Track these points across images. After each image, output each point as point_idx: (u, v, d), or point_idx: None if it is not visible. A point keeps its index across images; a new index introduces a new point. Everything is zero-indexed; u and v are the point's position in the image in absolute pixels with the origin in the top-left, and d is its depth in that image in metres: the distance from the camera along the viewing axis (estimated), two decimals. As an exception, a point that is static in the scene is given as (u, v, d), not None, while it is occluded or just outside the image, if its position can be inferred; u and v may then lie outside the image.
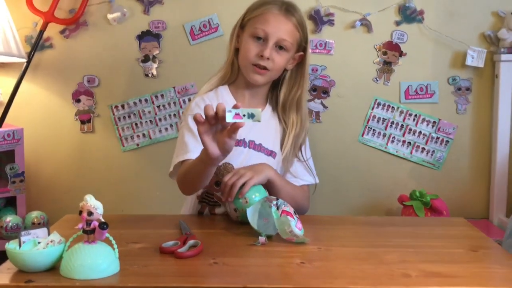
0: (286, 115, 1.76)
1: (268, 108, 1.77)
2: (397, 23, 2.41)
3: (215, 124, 1.28)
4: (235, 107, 1.24)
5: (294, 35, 1.68)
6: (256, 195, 1.50)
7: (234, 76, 1.75)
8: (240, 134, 1.63)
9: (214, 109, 1.26)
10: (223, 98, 1.70)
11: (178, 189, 1.61)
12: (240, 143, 1.68)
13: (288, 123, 1.75)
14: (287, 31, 1.66)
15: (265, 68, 1.65)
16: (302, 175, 1.77)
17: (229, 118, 1.23)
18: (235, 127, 1.25)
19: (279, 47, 1.66)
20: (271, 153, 1.72)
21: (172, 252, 1.27)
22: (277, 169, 1.69)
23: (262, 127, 1.70)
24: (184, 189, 1.61)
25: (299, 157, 1.77)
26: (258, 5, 1.69)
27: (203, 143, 1.30)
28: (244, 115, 1.23)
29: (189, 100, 2.41)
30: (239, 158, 1.66)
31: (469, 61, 2.39)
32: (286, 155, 1.73)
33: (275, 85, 1.77)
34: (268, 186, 1.60)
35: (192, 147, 1.60)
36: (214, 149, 1.30)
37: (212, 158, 1.33)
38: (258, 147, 1.71)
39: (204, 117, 1.27)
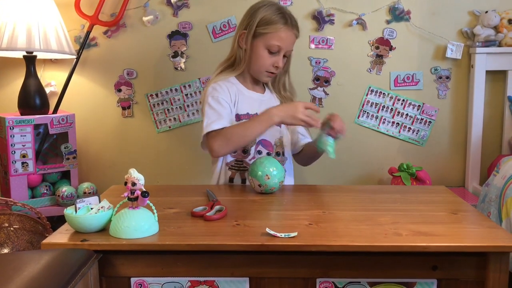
0: (281, 94, 1.85)
1: (267, 91, 1.85)
2: (388, 22, 2.38)
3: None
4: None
5: (294, 43, 1.75)
6: (274, 169, 1.50)
7: (241, 70, 1.77)
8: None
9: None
10: (235, 86, 1.75)
11: (204, 164, 1.59)
12: None
13: (283, 97, 1.85)
14: (293, 42, 1.74)
15: (274, 72, 1.74)
16: (308, 135, 1.87)
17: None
18: None
19: (284, 55, 1.73)
20: None
21: (201, 215, 1.28)
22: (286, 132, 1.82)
23: (272, 104, 1.77)
24: (223, 148, 1.61)
25: None
26: (269, 21, 1.68)
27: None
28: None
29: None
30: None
31: (448, 54, 2.36)
32: None
33: None
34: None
35: (225, 116, 1.65)
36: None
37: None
38: None
39: None
